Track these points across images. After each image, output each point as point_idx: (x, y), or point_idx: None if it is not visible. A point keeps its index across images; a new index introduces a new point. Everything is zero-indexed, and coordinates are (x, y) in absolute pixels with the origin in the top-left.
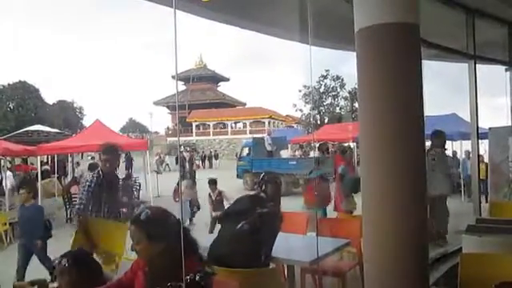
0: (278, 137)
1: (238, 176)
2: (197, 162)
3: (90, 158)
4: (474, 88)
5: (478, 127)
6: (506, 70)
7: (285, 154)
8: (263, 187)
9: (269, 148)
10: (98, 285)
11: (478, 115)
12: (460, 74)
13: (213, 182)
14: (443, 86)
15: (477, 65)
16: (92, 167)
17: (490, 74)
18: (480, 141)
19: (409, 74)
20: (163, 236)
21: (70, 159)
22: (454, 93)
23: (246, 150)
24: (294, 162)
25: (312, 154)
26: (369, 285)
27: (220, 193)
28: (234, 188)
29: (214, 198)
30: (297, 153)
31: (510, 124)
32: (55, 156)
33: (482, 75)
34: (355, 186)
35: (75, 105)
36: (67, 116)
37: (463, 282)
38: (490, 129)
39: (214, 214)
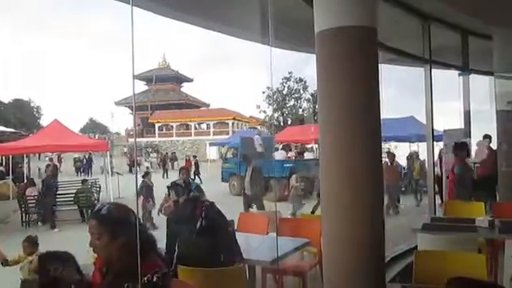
0: (266, 137)
1: (222, 179)
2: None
3: (47, 158)
4: (430, 91)
5: (433, 129)
6: (459, 74)
7: (279, 155)
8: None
9: (259, 149)
10: None
11: (434, 118)
12: (419, 79)
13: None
14: (403, 90)
15: (432, 69)
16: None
17: (444, 78)
18: (435, 143)
19: (366, 76)
20: (123, 232)
21: (26, 160)
22: (413, 96)
23: (231, 152)
24: (290, 165)
25: (307, 156)
26: (327, 284)
27: None
28: (218, 192)
29: None
30: (289, 154)
31: (463, 126)
32: (10, 157)
33: (437, 80)
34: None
35: (32, 104)
36: (23, 115)
37: (418, 278)
38: (444, 131)
39: None
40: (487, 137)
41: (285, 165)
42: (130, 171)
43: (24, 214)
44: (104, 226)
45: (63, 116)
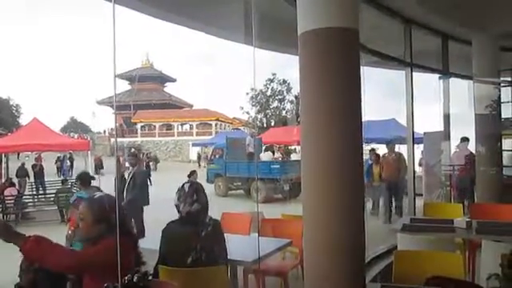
0: (254, 138)
1: (208, 180)
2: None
3: (26, 158)
4: (411, 94)
5: (413, 132)
6: (440, 78)
7: (265, 156)
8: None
9: (249, 150)
10: None
11: (414, 120)
12: (401, 81)
13: None
14: (386, 92)
15: (413, 73)
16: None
17: (425, 81)
18: (416, 145)
19: (348, 78)
20: (106, 220)
21: (4, 159)
22: (395, 99)
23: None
24: (277, 166)
25: (294, 157)
26: (308, 284)
27: None
28: None
29: None
30: (276, 155)
31: (442, 129)
32: None
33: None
34: None
35: (11, 102)
36: (2, 114)
37: (397, 278)
38: (424, 133)
39: None
40: (465, 139)
41: (272, 166)
42: (96, 173)
43: (2, 215)
44: (90, 210)
45: (43, 115)
